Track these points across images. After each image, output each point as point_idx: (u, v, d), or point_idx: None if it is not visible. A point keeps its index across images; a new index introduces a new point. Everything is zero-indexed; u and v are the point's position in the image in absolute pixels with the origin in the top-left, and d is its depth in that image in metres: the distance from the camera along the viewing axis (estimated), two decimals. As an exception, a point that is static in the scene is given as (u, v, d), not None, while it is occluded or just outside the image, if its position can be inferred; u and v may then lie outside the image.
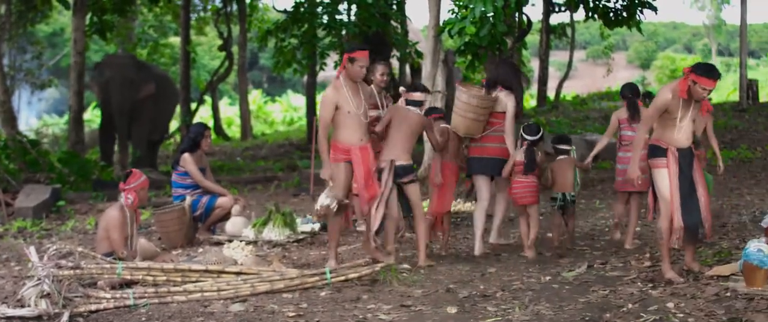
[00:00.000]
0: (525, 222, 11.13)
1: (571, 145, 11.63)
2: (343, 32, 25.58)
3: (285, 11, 27.34)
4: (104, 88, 23.80)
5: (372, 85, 11.68)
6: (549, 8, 24.75)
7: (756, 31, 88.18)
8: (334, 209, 9.88)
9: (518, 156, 10.98)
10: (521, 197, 11.09)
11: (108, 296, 8.56)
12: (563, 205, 11.37)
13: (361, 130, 9.84)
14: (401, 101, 11.14)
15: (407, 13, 30.19)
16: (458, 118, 11.07)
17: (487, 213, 11.44)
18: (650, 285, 8.58)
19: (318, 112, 9.72)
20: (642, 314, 7.44)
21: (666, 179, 8.73)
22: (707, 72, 8.42)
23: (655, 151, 8.80)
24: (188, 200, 12.60)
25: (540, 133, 11.13)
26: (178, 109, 30.67)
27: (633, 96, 11.66)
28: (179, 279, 9.04)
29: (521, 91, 11.82)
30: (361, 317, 7.93)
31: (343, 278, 9.15)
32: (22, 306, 8.21)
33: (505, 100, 11.21)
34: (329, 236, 10.43)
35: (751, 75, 34.28)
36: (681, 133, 8.73)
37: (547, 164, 11.42)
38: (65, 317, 8.13)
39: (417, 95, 10.84)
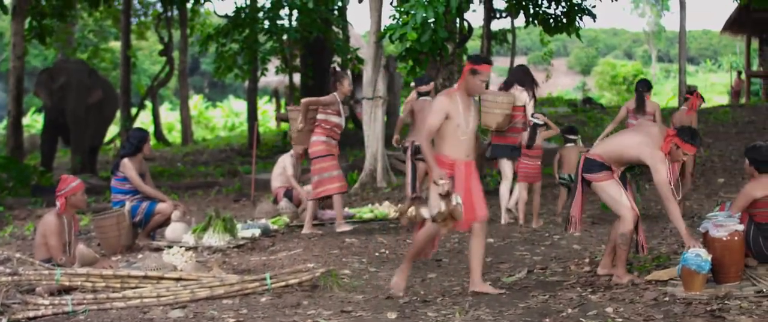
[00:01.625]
0: (532, 197, 13.52)
1: (577, 135, 14.28)
2: (285, 37, 25.59)
3: (226, 16, 27.31)
4: (55, 93, 23.49)
5: (335, 93, 13.25)
6: (490, 14, 24.75)
7: (695, 38, 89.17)
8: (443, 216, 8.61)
9: (525, 141, 13.29)
10: (526, 177, 13.42)
11: (46, 302, 8.49)
12: (567, 183, 13.74)
13: (467, 146, 8.89)
14: (413, 94, 14.76)
15: (348, 18, 30.26)
16: (490, 115, 12.95)
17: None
18: (589, 290, 8.64)
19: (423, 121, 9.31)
20: (581, 319, 7.48)
21: (617, 187, 8.83)
22: (691, 139, 8.74)
23: (599, 166, 8.88)
24: (127, 205, 12.51)
25: (544, 120, 13.35)
26: (117, 114, 30.46)
27: (642, 90, 14.18)
28: (118, 285, 8.98)
29: (534, 89, 13.65)
30: (301, 322, 7.93)
31: (283, 283, 9.13)
32: (-41, 313, 8.13)
33: (521, 96, 13.28)
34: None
35: (690, 81, 34.60)
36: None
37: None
38: (3, 323, 8.07)
39: (424, 87, 14.42)
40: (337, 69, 14.67)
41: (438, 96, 8.93)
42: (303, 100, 13.38)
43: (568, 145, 14.20)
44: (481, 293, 8.80)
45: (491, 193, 16.11)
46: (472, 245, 9.02)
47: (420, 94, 14.52)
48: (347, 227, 13.12)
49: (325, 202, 15.18)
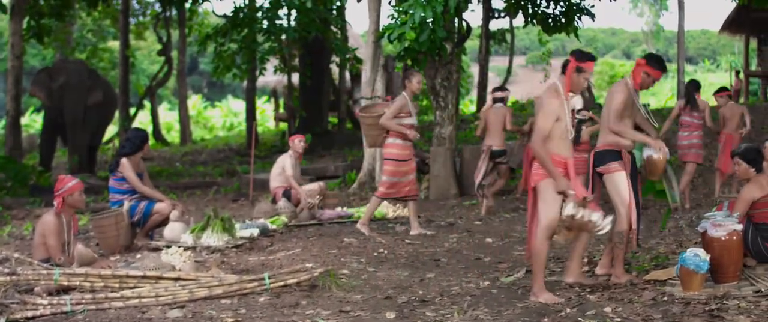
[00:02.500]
0: None
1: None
2: (283, 37, 25.56)
3: (225, 16, 27.29)
4: (55, 93, 23.41)
5: (405, 93, 12.96)
6: (488, 14, 24.81)
7: (693, 38, 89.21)
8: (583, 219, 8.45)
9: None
10: (576, 170, 13.38)
11: (45, 302, 8.47)
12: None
13: (570, 143, 8.73)
14: (490, 99, 15.90)
15: (347, 18, 30.23)
16: None
17: None
18: (588, 290, 8.64)
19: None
20: (580, 318, 7.48)
21: (625, 182, 8.80)
22: (657, 65, 9.02)
23: (611, 155, 8.85)
24: (126, 205, 12.49)
25: (588, 115, 14.61)
26: (116, 114, 30.41)
27: (692, 90, 15.59)
28: (117, 285, 8.97)
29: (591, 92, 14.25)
30: (299, 322, 7.92)
31: (281, 283, 9.12)
32: (-43, 313, 8.12)
33: (572, 100, 13.61)
34: (578, 251, 9.00)
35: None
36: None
37: None
38: (1, 323, 8.06)
39: (499, 94, 15.70)
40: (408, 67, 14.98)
41: (549, 99, 8.57)
42: (384, 122, 12.85)
43: None
44: (577, 283, 8.85)
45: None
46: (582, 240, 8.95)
47: (495, 101, 15.70)
48: (366, 230, 13.05)
49: (323, 202, 15.22)
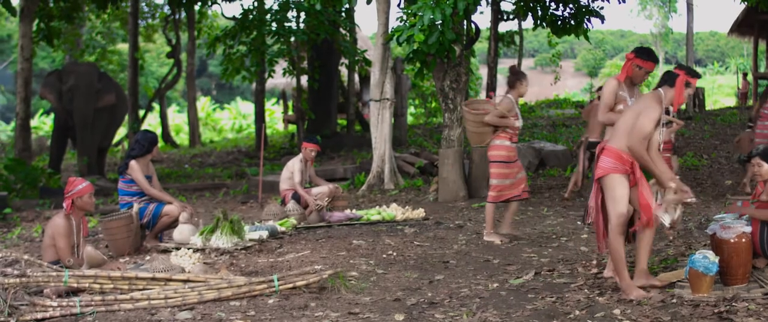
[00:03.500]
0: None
1: (755, 123, 16.79)
2: (292, 39, 25.55)
3: (234, 18, 27.28)
4: (65, 95, 23.41)
5: (510, 96, 12.72)
6: (497, 16, 24.72)
7: (702, 40, 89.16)
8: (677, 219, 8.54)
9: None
10: None
11: (54, 304, 8.47)
12: (742, 160, 16.92)
13: (646, 147, 8.56)
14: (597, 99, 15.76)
15: (356, 20, 30.17)
16: None
17: None
18: (597, 292, 8.62)
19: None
20: (589, 320, 7.48)
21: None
22: (648, 55, 9.28)
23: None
24: (135, 207, 12.51)
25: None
26: (126, 116, 30.42)
27: None
28: (126, 287, 8.98)
29: None
30: (308, 324, 7.93)
31: (290, 285, 9.12)
32: (-33, 315, 8.13)
33: None
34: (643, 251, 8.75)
35: (697, 83, 34.53)
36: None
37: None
38: (11, 325, 8.07)
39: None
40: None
41: (654, 105, 8.53)
42: (491, 120, 12.53)
43: (747, 130, 17.02)
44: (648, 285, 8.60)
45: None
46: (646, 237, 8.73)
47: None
48: (496, 238, 12.92)
49: (332, 204, 15.21)
